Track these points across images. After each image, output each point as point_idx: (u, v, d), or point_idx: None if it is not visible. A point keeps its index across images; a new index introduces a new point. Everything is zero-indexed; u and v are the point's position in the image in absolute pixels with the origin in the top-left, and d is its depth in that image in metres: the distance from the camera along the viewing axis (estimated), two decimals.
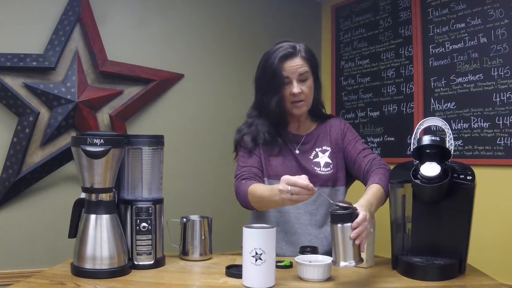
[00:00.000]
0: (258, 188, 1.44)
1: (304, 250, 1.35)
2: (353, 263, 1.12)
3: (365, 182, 1.50)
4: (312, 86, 1.55)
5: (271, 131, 1.56)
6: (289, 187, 1.23)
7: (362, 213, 1.15)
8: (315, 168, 1.56)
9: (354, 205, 1.18)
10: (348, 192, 1.64)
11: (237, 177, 1.55)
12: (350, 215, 1.13)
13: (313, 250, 1.35)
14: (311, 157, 1.58)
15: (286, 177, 1.26)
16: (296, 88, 1.49)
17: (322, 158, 1.58)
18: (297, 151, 1.59)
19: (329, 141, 1.60)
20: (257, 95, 1.58)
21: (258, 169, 1.55)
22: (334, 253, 1.14)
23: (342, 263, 1.12)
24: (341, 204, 1.15)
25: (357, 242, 1.12)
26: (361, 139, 1.64)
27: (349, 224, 1.12)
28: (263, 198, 1.40)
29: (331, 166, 1.57)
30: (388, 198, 1.36)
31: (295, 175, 1.50)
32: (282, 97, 1.50)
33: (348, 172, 1.61)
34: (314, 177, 1.54)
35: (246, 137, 1.58)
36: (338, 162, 1.58)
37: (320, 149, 1.59)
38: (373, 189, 1.38)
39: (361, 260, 1.14)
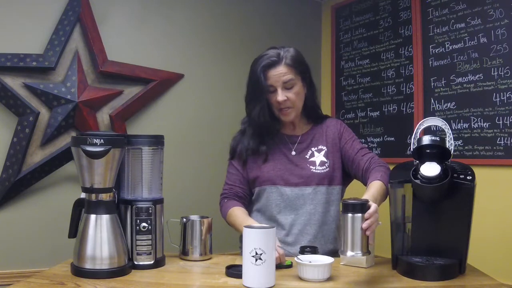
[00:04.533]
0: (234, 214, 1.55)
1: (304, 250, 1.35)
2: (359, 253, 1.14)
3: (364, 180, 1.52)
4: (301, 91, 1.56)
5: (255, 139, 1.59)
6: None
7: (374, 205, 1.18)
8: (310, 167, 1.57)
9: None
10: (346, 192, 1.65)
11: (221, 194, 1.66)
12: (361, 205, 1.15)
13: (313, 250, 1.35)
14: (307, 156, 1.60)
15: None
16: (280, 96, 1.51)
17: (318, 157, 1.59)
18: (293, 152, 1.60)
19: (325, 141, 1.61)
20: (245, 102, 1.61)
21: (240, 188, 1.63)
22: (342, 242, 1.16)
23: (350, 253, 1.14)
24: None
25: (367, 233, 1.14)
26: (358, 138, 1.65)
27: (359, 214, 1.14)
28: (235, 223, 1.53)
29: (326, 164, 1.58)
30: (388, 198, 1.37)
31: (289, 177, 1.57)
32: (265, 106, 1.53)
33: (346, 172, 1.62)
34: (309, 176, 1.56)
35: (240, 146, 1.62)
36: (335, 161, 1.59)
37: (315, 148, 1.61)
38: (376, 185, 1.40)
39: (368, 252, 1.16)
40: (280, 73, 1.50)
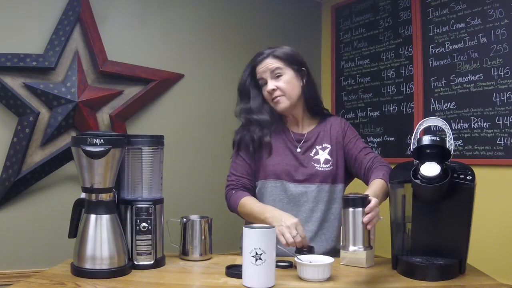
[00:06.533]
0: (248, 202, 1.52)
1: (300, 250, 1.35)
2: (362, 248, 1.15)
3: (366, 179, 1.54)
4: (292, 81, 1.58)
5: (259, 134, 1.60)
6: (294, 232, 1.32)
7: (374, 199, 1.19)
8: (315, 165, 1.59)
9: None
10: (347, 190, 1.65)
11: (227, 185, 1.63)
12: (362, 200, 1.16)
13: (309, 250, 1.35)
14: (312, 154, 1.61)
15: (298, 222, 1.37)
16: (270, 85, 1.56)
17: (322, 155, 1.61)
18: (298, 149, 1.61)
19: (329, 139, 1.63)
20: (237, 108, 1.66)
21: (247, 179, 1.62)
22: (343, 237, 1.17)
23: (352, 248, 1.15)
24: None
25: (369, 227, 1.15)
26: (361, 138, 1.66)
27: (360, 209, 1.15)
28: (252, 211, 1.49)
29: (330, 163, 1.60)
30: (388, 198, 1.37)
31: (294, 173, 1.57)
32: (262, 102, 1.60)
33: (347, 170, 1.64)
34: (314, 174, 1.57)
35: (246, 139, 1.61)
36: (338, 159, 1.61)
37: (320, 146, 1.62)
38: (378, 183, 1.41)
39: (370, 246, 1.17)
40: (267, 63, 1.56)
